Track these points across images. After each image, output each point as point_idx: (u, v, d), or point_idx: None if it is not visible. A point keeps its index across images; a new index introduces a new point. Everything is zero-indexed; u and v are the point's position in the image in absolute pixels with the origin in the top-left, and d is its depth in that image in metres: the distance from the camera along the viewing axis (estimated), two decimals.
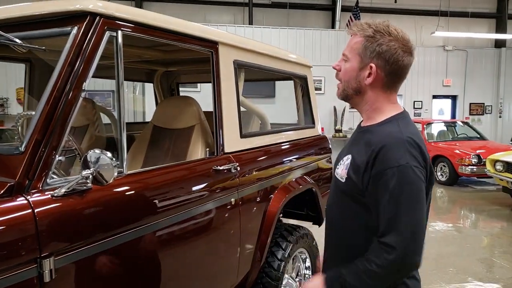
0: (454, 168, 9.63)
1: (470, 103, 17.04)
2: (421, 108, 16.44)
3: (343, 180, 1.53)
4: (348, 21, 13.51)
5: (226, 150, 2.59)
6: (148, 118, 10.03)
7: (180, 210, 2.12)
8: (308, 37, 13.23)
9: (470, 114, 16.98)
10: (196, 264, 2.33)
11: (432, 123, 11.68)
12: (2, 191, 1.45)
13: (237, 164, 2.58)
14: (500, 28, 16.79)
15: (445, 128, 11.70)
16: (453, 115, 17.14)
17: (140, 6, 13.28)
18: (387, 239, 1.36)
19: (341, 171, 1.56)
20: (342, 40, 13.37)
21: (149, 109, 10.39)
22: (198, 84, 9.74)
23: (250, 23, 13.95)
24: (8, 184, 1.47)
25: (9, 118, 10.91)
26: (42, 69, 3.11)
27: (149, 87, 8.94)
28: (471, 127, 11.76)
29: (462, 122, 12.22)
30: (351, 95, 1.56)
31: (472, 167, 9.31)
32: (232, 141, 2.65)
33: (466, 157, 9.44)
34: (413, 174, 1.36)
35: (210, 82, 2.61)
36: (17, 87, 11.18)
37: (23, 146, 1.53)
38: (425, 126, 11.17)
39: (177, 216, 2.10)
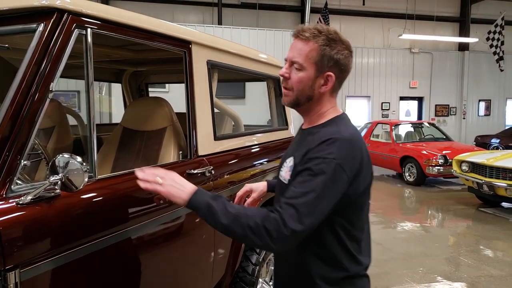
0: (422, 169, 9.81)
1: (436, 105, 17.51)
2: (389, 109, 16.77)
3: (286, 182, 1.52)
4: (317, 23, 13.58)
5: (200, 153, 2.52)
6: (115, 120, 9.85)
7: (153, 215, 2.04)
8: (278, 38, 13.25)
9: (435, 115, 17.45)
10: (169, 270, 2.26)
11: (400, 124, 11.89)
12: None
13: (211, 167, 2.52)
14: (463, 31, 17.31)
15: (412, 129, 11.93)
16: (420, 116, 17.54)
17: (107, 4, 13.02)
18: (286, 214, 1.33)
19: (285, 173, 1.56)
20: None
21: (116, 110, 10.18)
22: (167, 84, 9.61)
23: (219, 23, 13.90)
24: None
25: None
26: (4, 67, 2.97)
27: (116, 87, 8.75)
28: (437, 128, 12.04)
29: (429, 123, 12.50)
30: (303, 102, 1.55)
31: (439, 167, 9.52)
32: (206, 144, 2.59)
33: (433, 157, 9.64)
34: (335, 171, 1.36)
35: (180, 82, 2.54)
36: None
37: None
38: (393, 127, 11.37)
39: (151, 222, 2.02)
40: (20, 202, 1.41)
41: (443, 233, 6.55)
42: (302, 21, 14.89)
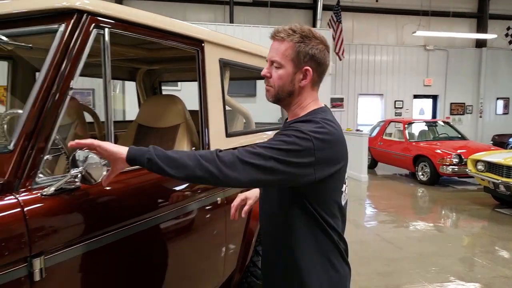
0: (435, 168, 9.74)
1: (451, 103, 17.26)
2: (402, 107, 16.65)
3: None
4: (330, 20, 13.55)
5: (212, 149, 2.58)
6: (129, 117, 9.86)
7: (167, 209, 2.12)
8: None
9: (450, 114, 17.20)
10: (182, 263, 2.33)
11: (413, 122, 11.80)
12: None
13: None
14: (481, 28, 16.99)
15: (426, 128, 11.81)
16: (434, 115, 17.35)
17: (120, 4, 13.13)
18: (243, 150, 1.44)
19: None
20: None
21: (130, 108, 10.27)
22: (179, 83, 9.67)
23: (231, 21, 13.91)
24: None
25: None
26: (25, 67, 3.07)
27: (129, 85, 8.84)
28: (452, 126, 11.89)
29: (443, 121, 12.33)
30: (284, 97, 1.63)
31: (453, 166, 9.42)
32: (218, 140, 2.65)
33: (447, 156, 9.55)
34: (302, 140, 1.44)
35: (193, 80, 2.59)
36: None
37: (12, 144, 1.50)
38: (406, 125, 11.29)
39: (165, 215, 2.10)
40: (44, 193, 1.51)
41: (457, 233, 6.46)
42: (314, 18, 14.84)
